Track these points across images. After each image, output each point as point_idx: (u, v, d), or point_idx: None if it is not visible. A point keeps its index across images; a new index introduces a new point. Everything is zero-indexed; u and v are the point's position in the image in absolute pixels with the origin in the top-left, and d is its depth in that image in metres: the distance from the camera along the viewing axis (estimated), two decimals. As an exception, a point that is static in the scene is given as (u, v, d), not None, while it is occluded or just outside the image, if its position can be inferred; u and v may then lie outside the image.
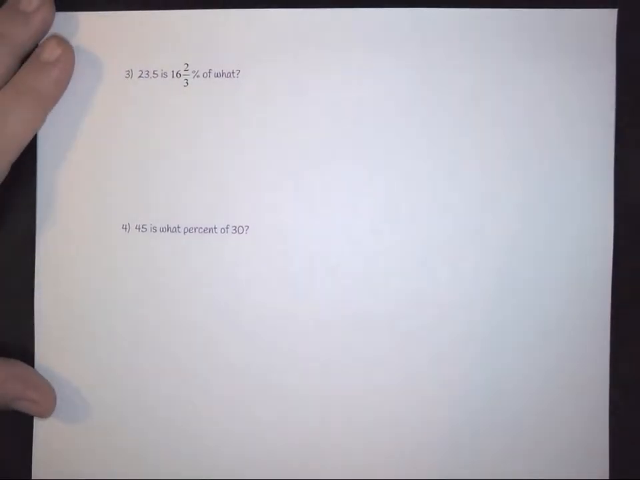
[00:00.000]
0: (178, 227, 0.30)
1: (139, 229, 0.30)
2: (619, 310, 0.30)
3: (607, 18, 0.30)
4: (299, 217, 0.30)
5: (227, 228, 0.30)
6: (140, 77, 0.30)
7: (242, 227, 0.30)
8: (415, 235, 0.30)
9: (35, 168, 0.30)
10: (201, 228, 0.30)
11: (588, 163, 0.30)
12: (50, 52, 0.29)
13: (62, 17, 0.30)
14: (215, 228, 0.30)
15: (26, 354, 0.31)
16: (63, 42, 0.29)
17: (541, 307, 0.30)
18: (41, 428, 0.31)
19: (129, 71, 0.30)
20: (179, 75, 0.30)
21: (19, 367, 0.30)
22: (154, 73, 0.30)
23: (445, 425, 0.30)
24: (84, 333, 0.30)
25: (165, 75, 0.30)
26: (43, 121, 0.30)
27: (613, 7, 0.30)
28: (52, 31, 0.30)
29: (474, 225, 0.30)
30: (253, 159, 0.30)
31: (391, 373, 0.30)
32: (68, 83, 0.30)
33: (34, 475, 0.31)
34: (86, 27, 0.30)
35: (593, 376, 0.30)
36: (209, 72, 0.30)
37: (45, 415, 0.30)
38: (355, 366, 0.30)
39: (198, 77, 0.30)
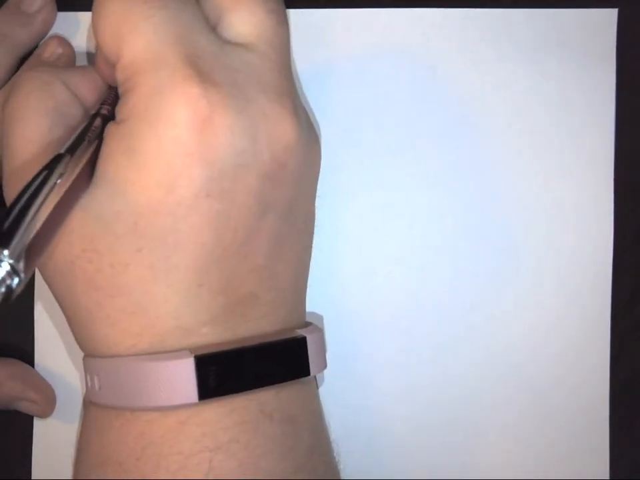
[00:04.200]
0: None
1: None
2: (619, 310, 0.30)
3: (607, 18, 0.30)
4: (299, 217, 0.30)
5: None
6: (140, 76, 0.30)
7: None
8: (415, 235, 0.30)
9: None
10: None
11: (588, 163, 0.30)
12: (51, 52, 0.29)
13: (62, 16, 0.30)
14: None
15: (26, 354, 0.30)
16: (64, 42, 0.29)
17: (541, 307, 0.30)
18: (40, 428, 0.31)
19: (129, 70, 0.30)
20: (179, 75, 0.30)
21: (18, 367, 0.30)
22: (154, 73, 0.30)
23: (445, 426, 0.30)
24: (84, 333, 0.30)
25: (165, 74, 0.30)
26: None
27: (613, 6, 0.30)
28: (53, 30, 0.30)
29: (474, 225, 0.30)
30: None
31: (390, 373, 0.30)
32: (68, 83, 0.30)
33: (34, 475, 0.30)
34: (86, 27, 0.30)
35: (593, 376, 0.30)
36: (209, 72, 0.30)
37: (44, 415, 0.30)
38: (355, 365, 0.30)
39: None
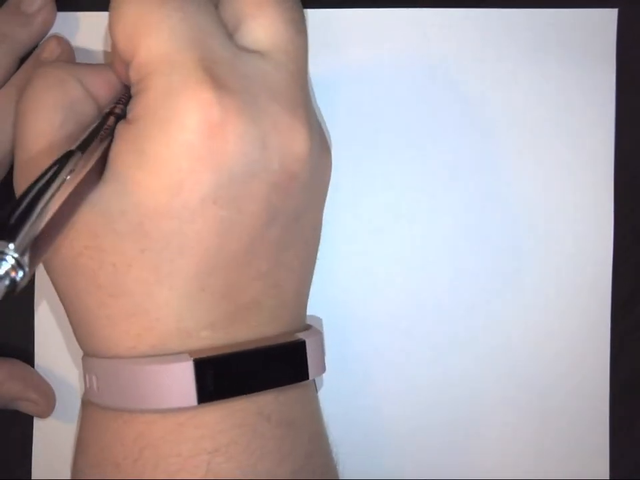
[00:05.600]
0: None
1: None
2: (619, 310, 0.30)
3: (607, 18, 0.30)
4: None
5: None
6: (140, 76, 0.30)
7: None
8: (415, 235, 0.30)
9: (35, 168, 0.30)
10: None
11: (588, 163, 0.30)
12: (50, 52, 0.29)
13: (62, 16, 0.30)
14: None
15: (26, 354, 0.30)
16: (63, 42, 0.29)
17: (541, 307, 0.30)
18: (41, 428, 0.31)
19: (129, 70, 0.30)
20: (179, 75, 0.30)
21: (18, 366, 0.30)
22: (154, 73, 0.30)
23: (445, 426, 0.30)
24: (84, 333, 0.30)
25: (165, 74, 0.30)
26: (43, 120, 0.30)
27: (613, 7, 0.30)
28: (53, 30, 0.30)
29: (474, 225, 0.30)
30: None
31: (390, 373, 0.30)
32: (68, 83, 0.30)
33: (34, 475, 0.31)
34: (86, 27, 0.30)
35: (593, 376, 0.30)
36: (209, 72, 0.30)
37: (44, 415, 0.30)
38: (355, 365, 0.30)
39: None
